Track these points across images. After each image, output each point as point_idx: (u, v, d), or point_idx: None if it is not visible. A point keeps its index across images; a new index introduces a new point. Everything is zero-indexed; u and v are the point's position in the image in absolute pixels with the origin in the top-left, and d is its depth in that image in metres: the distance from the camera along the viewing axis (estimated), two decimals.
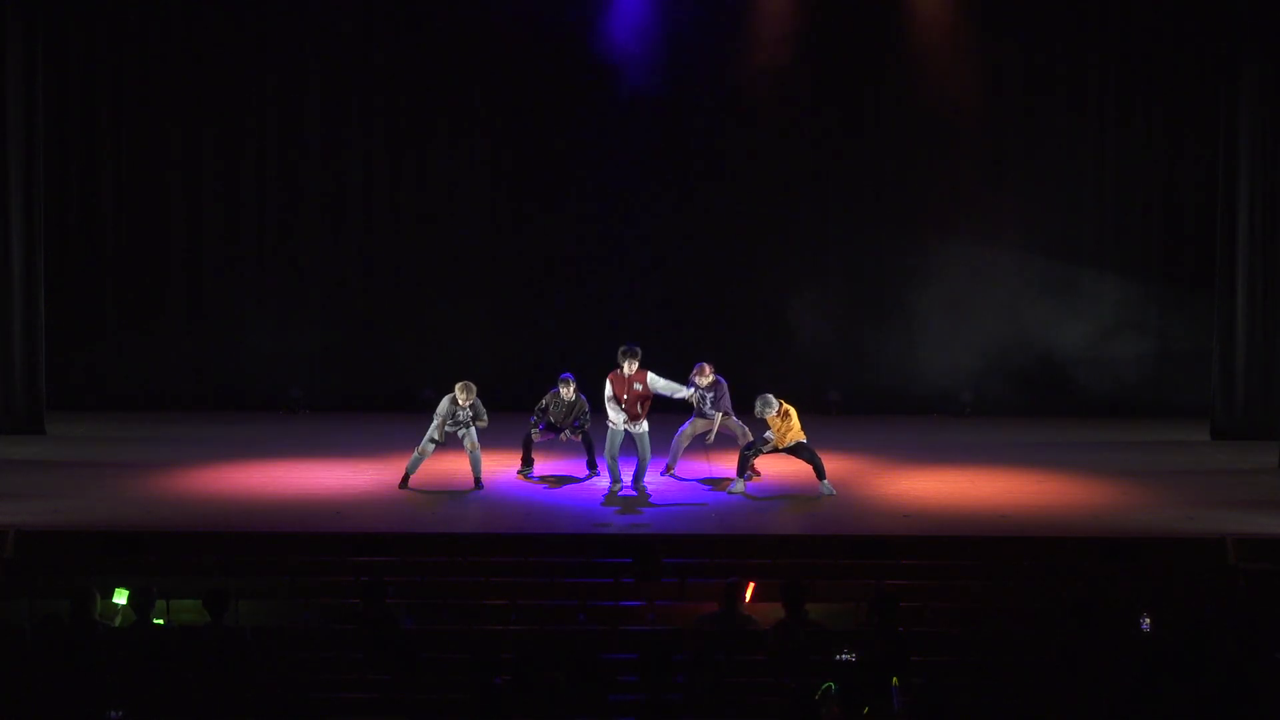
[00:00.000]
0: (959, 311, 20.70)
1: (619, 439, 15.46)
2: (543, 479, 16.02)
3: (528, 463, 16.17)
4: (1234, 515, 14.34)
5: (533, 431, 15.99)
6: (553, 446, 16.68)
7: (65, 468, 16.54)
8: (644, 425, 15.42)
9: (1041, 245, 20.69)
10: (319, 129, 20.69)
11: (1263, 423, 18.38)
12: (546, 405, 16.01)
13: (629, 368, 15.36)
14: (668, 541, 13.40)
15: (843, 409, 20.43)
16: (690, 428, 16.02)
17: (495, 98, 20.60)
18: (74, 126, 20.40)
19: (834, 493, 15.22)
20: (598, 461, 16.09)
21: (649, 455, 15.49)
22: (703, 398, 15.82)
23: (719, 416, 15.76)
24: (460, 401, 15.55)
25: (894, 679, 9.14)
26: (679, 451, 16.14)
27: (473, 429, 15.61)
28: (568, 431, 15.98)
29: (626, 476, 15.51)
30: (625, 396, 15.34)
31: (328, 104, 20.63)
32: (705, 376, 15.81)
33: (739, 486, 15.41)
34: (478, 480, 15.60)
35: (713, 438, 15.90)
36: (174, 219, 20.68)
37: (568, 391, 15.94)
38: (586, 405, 16.01)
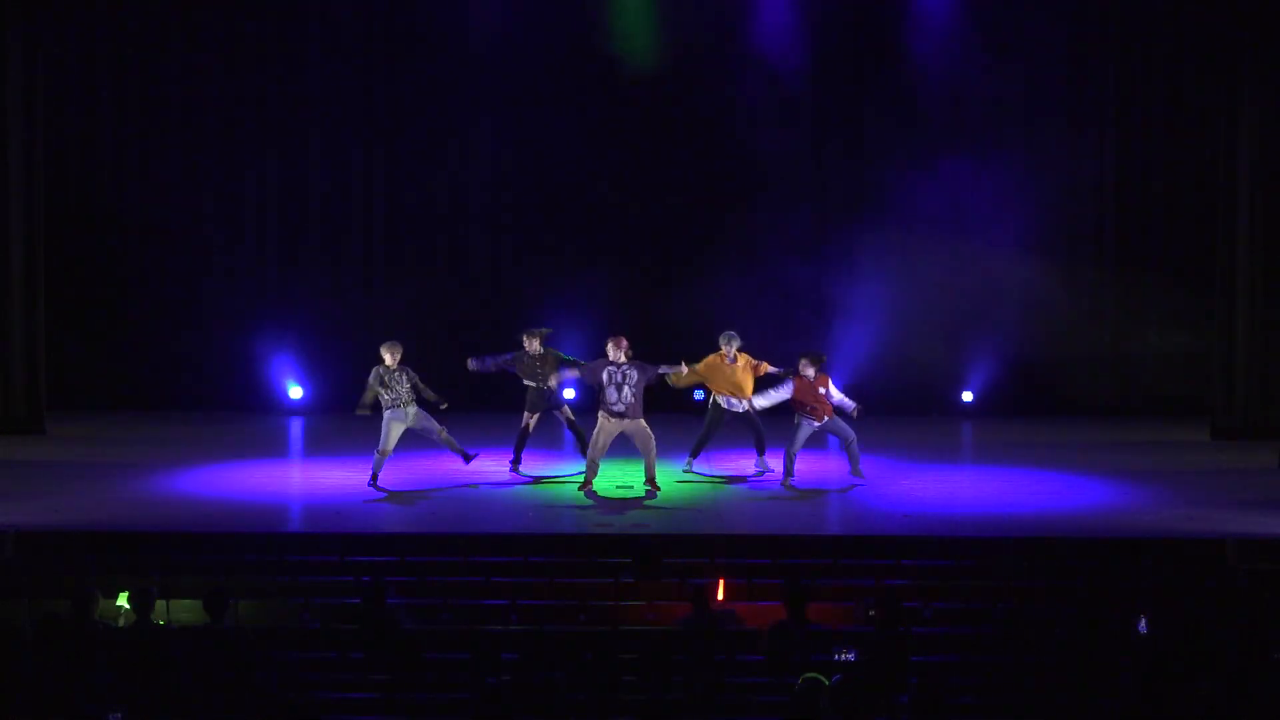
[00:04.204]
0: (958, 311, 20.68)
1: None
2: (540, 480, 15.98)
3: (517, 455, 15.96)
4: (1234, 515, 14.33)
5: (529, 422, 15.62)
6: (545, 434, 16.46)
7: (65, 468, 16.53)
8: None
9: (1041, 244, 20.67)
10: (320, 128, 20.67)
11: (1263, 423, 18.38)
12: (512, 359, 15.49)
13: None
14: (668, 541, 13.41)
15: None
16: (603, 433, 14.90)
17: (497, 99, 20.60)
18: (74, 126, 20.37)
19: (764, 470, 15.72)
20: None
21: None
22: (610, 375, 14.72)
23: (637, 420, 14.81)
24: (387, 362, 14.94)
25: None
26: (597, 464, 15.04)
27: (433, 419, 15.16)
28: (540, 382, 15.43)
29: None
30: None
31: (329, 102, 20.61)
32: (620, 349, 14.73)
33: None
34: (464, 453, 15.36)
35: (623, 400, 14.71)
36: (174, 219, 20.66)
37: (532, 344, 15.34)
38: (557, 355, 15.56)
